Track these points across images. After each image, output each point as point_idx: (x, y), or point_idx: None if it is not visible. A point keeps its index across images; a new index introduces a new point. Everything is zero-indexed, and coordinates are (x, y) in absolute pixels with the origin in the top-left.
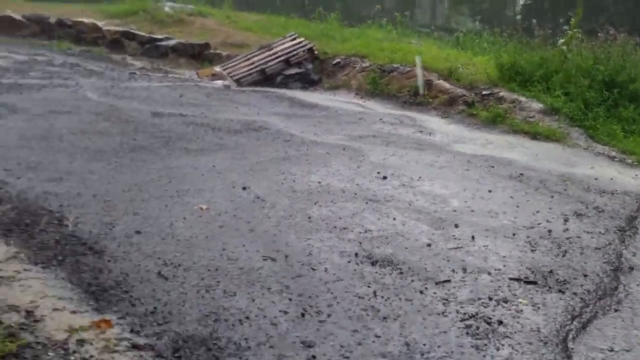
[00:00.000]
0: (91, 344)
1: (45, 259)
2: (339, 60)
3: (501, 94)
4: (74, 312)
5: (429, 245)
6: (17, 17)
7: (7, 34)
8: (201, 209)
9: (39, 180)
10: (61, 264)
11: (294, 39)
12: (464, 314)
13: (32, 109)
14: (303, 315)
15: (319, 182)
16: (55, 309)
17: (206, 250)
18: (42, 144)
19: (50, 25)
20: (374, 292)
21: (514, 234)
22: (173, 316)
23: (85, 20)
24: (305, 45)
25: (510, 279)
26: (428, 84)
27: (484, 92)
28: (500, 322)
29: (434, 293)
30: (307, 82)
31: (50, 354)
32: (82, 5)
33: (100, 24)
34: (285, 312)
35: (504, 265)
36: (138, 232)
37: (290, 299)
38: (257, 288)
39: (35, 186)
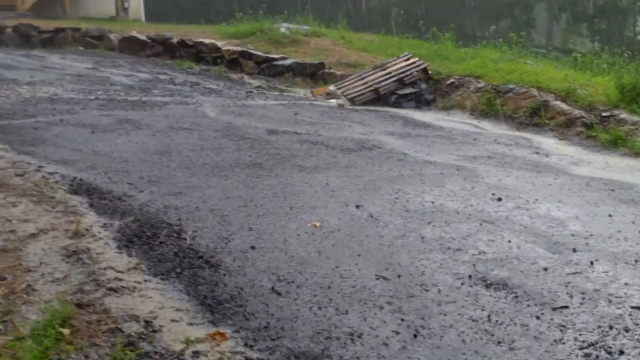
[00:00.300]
0: (206, 355)
1: (164, 271)
2: (453, 80)
3: (622, 115)
4: (190, 323)
5: (545, 269)
6: (142, 37)
7: (133, 53)
8: (314, 226)
9: (160, 194)
10: (179, 276)
11: (408, 58)
12: (583, 342)
13: (154, 125)
14: (415, 336)
15: (433, 202)
16: (172, 320)
17: (319, 267)
18: (163, 159)
19: (172, 45)
20: (488, 316)
21: (636, 261)
22: (285, 332)
23: (206, 40)
24: (419, 65)
25: (632, 307)
26: (545, 105)
27: (603, 114)
28: (621, 352)
29: (551, 319)
30: (421, 102)
31: None
32: (203, 26)
33: (219, 44)
34: (397, 333)
35: (625, 293)
36: (253, 248)
37: (402, 319)
38: (369, 307)
39: (156, 200)
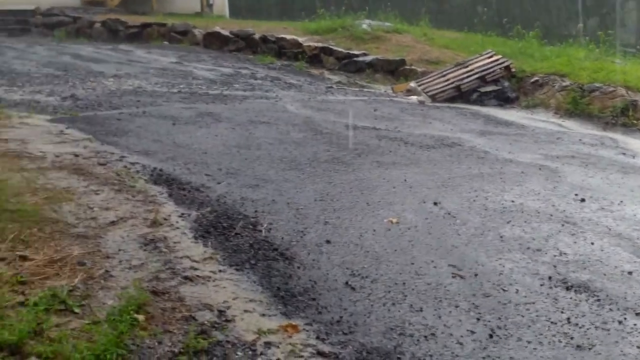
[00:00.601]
0: (278, 347)
1: (239, 262)
2: (537, 78)
3: None
4: (263, 314)
5: (630, 273)
6: (225, 32)
7: (216, 48)
8: (391, 222)
9: (237, 186)
10: (253, 267)
11: (491, 56)
12: None
13: (234, 119)
14: (491, 336)
15: (513, 201)
16: (245, 311)
17: (394, 263)
18: (242, 151)
19: (254, 40)
20: (568, 319)
21: None
22: (358, 327)
23: (287, 36)
24: (502, 62)
25: None
26: (633, 105)
27: None
28: None
29: (634, 324)
30: (503, 100)
31: (239, 353)
32: (285, 22)
33: (301, 39)
34: (472, 332)
35: None
36: (328, 242)
37: (478, 319)
38: (444, 305)
39: (234, 191)
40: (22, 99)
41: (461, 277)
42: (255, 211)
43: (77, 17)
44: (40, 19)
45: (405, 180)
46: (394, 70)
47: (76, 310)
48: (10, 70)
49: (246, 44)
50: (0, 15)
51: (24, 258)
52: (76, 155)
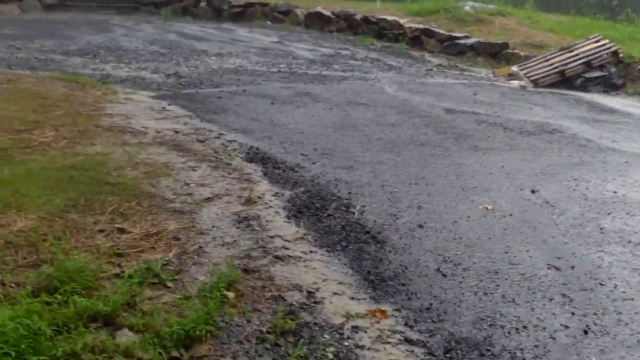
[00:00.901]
0: (365, 331)
1: (330, 243)
2: None
3: None
4: (352, 298)
5: None
6: (327, 13)
7: (317, 28)
8: (486, 208)
9: (332, 167)
10: (344, 249)
11: (598, 40)
12: None
13: (332, 99)
14: (586, 332)
15: (615, 192)
16: (334, 293)
17: (488, 251)
18: (338, 132)
19: (355, 21)
20: None
21: None
22: (448, 315)
23: (388, 17)
24: (610, 47)
25: None
26: None
27: None
28: None
29: None
30: (609, 86)
31: (326, 336)
32: (387, 3)
33: (402, 21)
34: (566, 327)
35: None
36: (420, 226)
37: (572, 313)
38: (537, 297)
39: (328, 172)
40: (128, 75)
41: (557, 268)
42: (349, 193)
43: None
44: None
45: (502, 166)
46: (496, 54)
47: (169, 284)
48: (118, 47)
49: (347, 25)
50: None
51: (121, 231)
52: (176, 132)
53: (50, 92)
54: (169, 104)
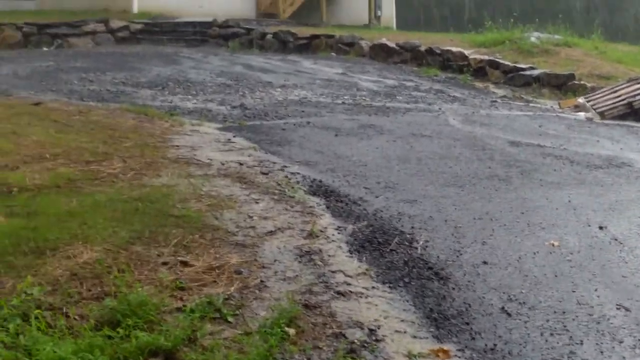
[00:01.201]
0: None
1: (392, 279)
2: None
3: None
4: (414, 336)
5: None
6: (391, 44)
7: (381, 60)
8: (552, 245)
9: (395, 201)
10: (407, 286)
11: None
12: None
13: (396, 131)
14: None
15: None
16: (396, 331)
17: (554, 290)
18: (401, 165)
19: (420, 52)
20: None
21: None
22: (513, 357)
23: (453, 48)
24: None
25: None
26: None
27: None
28: None
29: None
30: None
31: None
32: (452, 34)
33: (466, 52)
34: None
35: None
36: (485, 263)
37: None
38: (607, 339)
39: (391, 206)
40: (195, 107)
41: (627, 309)
42: (412, 227)
43: (251, 29)
44: (217, 31)
45: (569, 201)
46: (562, 85)
47: (230, 319)
48: (186, 79)
49: (411, 56)
50: (181, 27)
51: (184, 264)
52: (241, 164)
53: (120, 123)
54: (234, 136)
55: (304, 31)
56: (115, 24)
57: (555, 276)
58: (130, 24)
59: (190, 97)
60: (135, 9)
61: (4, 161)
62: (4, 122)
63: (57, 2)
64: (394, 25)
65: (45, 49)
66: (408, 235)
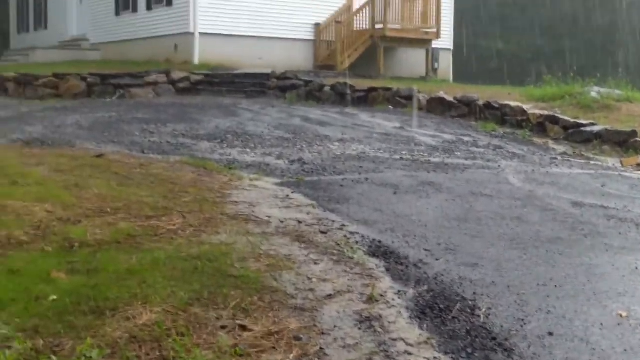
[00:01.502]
0: None
1: (455, 349)
2: None
3: None
4: None
5: None
6: (449, 98)
7: (439, 113)
8: (620, 315)
9: (456, 264)
10: (470, 357)
11: None
12: None
13: (455, 190)
14: None
15: None
16: None
17: None
18: (461, 225)
19: (477, 107)
20: None
21: None
22: None
23: (512, 103)
24: None
25: None
26: None
27: None
28: None
29: None
30: None
31: None
32: (509, 88)
33: (525, 107)
34: None
35: None
36: (550, 334)
37: None
38: None
39: (452, 270)
40: (253, 160)
41: None
42: (474, 293)
43: (309, 81)
44: (275, 82)
45: (636, 268)
46: (624, 142)
47: None
48: (244, 132)
49: (469, 110)
50: (240, 79)
51: (243, 328)
52: (299, 222)
53: (180, 177)
54: (293, 192)
55: (362, 83)
56: (176, 74)
57: (625, 350)
58: (190, 75)
59: (248, 150)
60: (196, 60)
61: (67, 215)
62: (67, 174)
63: (121, 53)
64: (451, 78)
65: (107, 99)
66: (470, 302)
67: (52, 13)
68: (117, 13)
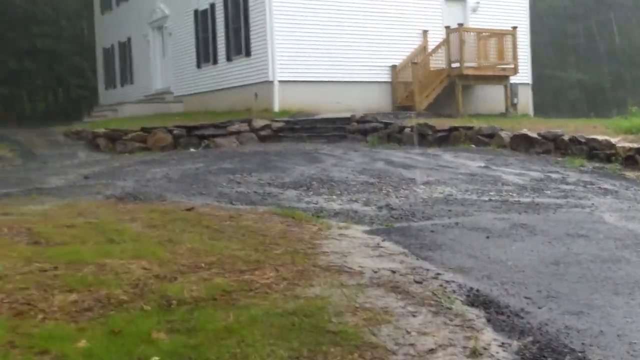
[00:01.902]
0: None
1: None
2: None
3: None
4: None
5: None
6: (533, 134)
7: (522, 150)
8: None
9: (559, 312)
10: None
11: None
12: None
13: (549, 231)
14: None
15: None
16: None
17: None
18: (560, 270)
19: (563, 142)
20: None
21: None
22: None
23: (599, 137)
24: None
25: None
26: None
27: None
28: None
29: None
30: None
31: None
32: (593, 120)
33: (613, 140)
34: None
35: None
36: None
37: None
38: None
39: (556, 318)
40: (340, 208)
41: None
42: (582, 344)
43: (388, 123)
44: (355, 126)
45: None
46: None
47: None
48: (329, 178)
49: (554, 146)
50: (320, 124)
51: None
52: (393, 272)
53: (269, 228)
54: (383, 240)
55: (441, 123)
56: (258, 123)
57: None
58: (271, 123)
59: (334, 197)
60: (276, 107)
61: (163, 271)
62: (160, 229)
63: (202, 104)
64: (531, 112)
65: (192, 150)
66: (579, 354)
67: (137, 68)
68: (199, 66)
